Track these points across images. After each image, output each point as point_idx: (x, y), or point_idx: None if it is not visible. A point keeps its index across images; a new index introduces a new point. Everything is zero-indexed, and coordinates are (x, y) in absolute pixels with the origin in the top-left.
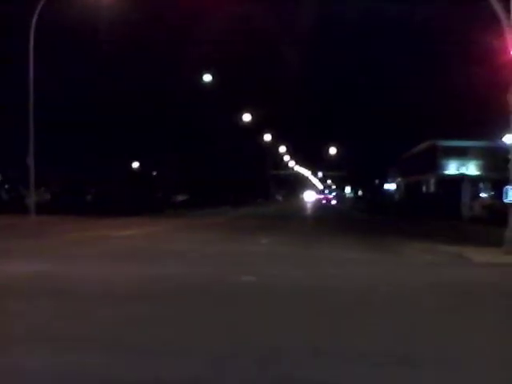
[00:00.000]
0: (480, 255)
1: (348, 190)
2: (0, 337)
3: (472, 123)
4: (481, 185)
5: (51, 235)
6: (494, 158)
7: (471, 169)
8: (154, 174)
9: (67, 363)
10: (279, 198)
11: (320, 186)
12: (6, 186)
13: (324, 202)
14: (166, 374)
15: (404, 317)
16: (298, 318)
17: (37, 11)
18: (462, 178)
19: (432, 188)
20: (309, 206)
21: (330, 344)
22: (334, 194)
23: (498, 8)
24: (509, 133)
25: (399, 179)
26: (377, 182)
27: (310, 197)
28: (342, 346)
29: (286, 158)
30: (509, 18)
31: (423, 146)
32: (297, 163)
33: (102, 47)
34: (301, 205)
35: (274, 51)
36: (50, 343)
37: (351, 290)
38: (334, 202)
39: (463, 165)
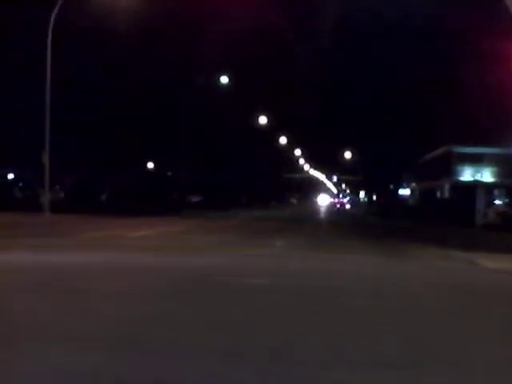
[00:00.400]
0: (493, 262)
1: (362, 194)
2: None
3: (487, 130)
4: (495, 192)
5: (65, 234)
6: (509, 165)
7: (486, 175)
8: (169, 174)
9: None
10: (293, 201)
11: (334, 190)
12: (20, 184)
13: (338, 206)
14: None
15: (415, 320)
16: (304, 318)
17: (54, 12)
18: (476, 184)
19: (446, 194)
20: (323, 209)
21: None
22: (348, 198)
23: None
24: None
25: (414, 184)
26: (391, 187)
27: (324, 201)
28: (360, 347)
29: (301, 161)
30: None
31: (438, 151)
32: (312, 167)
33: (116, 48)
34: (315, 208)
35: (293, 54)
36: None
37: (362, 292)
38: (347, 206)
39: (478, 171)
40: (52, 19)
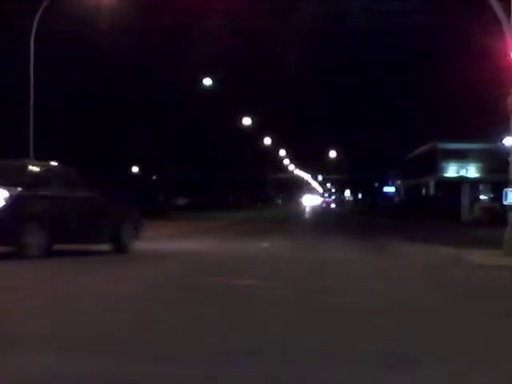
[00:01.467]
0: (479, 257)
1: (348, 193)
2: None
3: (472, 126)
4: (481, 187)
5: None
6: (493, 161)
7: (471, 171)
8: (155, 177)
9: None
10: (279, 201)
11: (320, 190)
12: None
13: (324, 205)
14: None
15: (401, 317)
16: (291, 317)
17: (38, 14)
18: (461, 180)
19: (432, 191)
20: (308, 209)
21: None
22: (333, 197)
23: (499, 10)
24: (508, 135)
25: (399, 182)
26: (376, 185)
27: (309, 200)
28: (341, 345)
29: (286, 161)
30: (509, 20)
31: (423, 148)
32: (297, 167)
33: (99, 52)
34: (300, 208)
35: (274, 54)
36: None
37: (348, 290)
38: (333, 205)
39: (463, 167)
40: (35, 25)
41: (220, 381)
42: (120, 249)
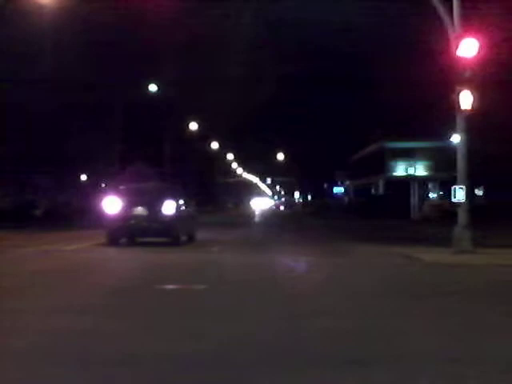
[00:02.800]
0: (429, 255)
1: (297, 195)
2: None
3: (419, 124)
4: (429, 185)
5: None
6: (441, 158)
7: (419, 169)
8: (103, 185)
9: None
10: (229, 205)
11: (269, 192)
12: None
13: (274, 208)
14: None
15: (349, 319)
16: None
17: None
18: (410, 179)
19: (381, 190)
20: (258, 212)
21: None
22: (282, 199)
23: (441, 9)
24: (456, 132)
25: (348, 182)
26: (325, 185)
27: (259, 203)
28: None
29: (234, 165)
30: (452, 18)
31: (371, 148)
32: (245, 170)
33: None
34: (250, 212)
35: (217, 56)
36: None
37: (295, 293)
38: (281, 207)
39: (411, 166)
40: None
41: None
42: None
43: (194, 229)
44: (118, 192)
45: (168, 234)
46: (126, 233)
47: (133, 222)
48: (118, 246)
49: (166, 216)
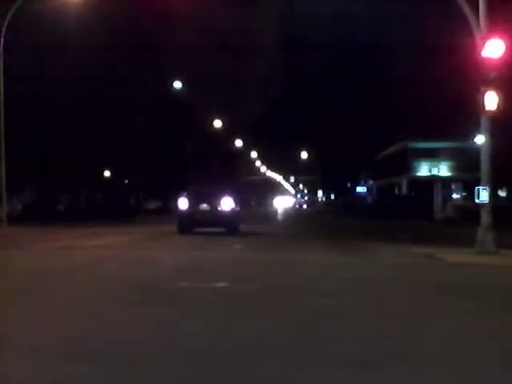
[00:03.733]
0: (452, 256)
1: (320, 193)
2: None
3: (443, 124)
4: (453, 186)
5: (24, 246)
6: (465, 159)
7: (443, 170)
8: (126, 182)
9: None
10: (252, 203)
11: (292, 191)
12: None
13: (297, 206)
14: None
15: (374, 317)
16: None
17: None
18: (433, 179)
19: (404, 190)
20: (280, 211)
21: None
22: (305, 198)
23: (467, 9)
24: (480, 133)
25: (371, 182)
26: (349, 185)
27: (282, 202)
28: (313, 347)
29: (258, 163)
30: (477, 19)
31: (395, 148)
32: (268, 168)
33: (68, 55)
34: (273, 210)
35: (245, 56)
36: None
37: (319, 290)
38: (305, 206)
39: (435, 166)
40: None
41: None
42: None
43: (240, 222)
44: (186, 192)
45: (227, 225)
46: (193, 224)
47: (198, 215)
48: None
49: (225, 211)
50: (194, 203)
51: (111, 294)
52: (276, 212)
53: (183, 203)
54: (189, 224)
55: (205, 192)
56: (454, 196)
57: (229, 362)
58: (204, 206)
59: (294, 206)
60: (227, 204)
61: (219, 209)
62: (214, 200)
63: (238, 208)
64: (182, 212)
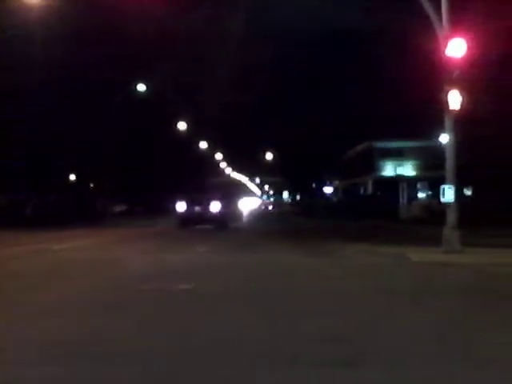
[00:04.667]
0: (419, 255)
1: (286, 194)
2: None
3: (408, 124)
4: (418, 185)
5: None
6: (430, 158)
7: (408, 169)
8: (91, 185)
9: None
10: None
11: (258, 192)
12: None
13: (263, 207)
14: None
15: (340, 318)
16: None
17: None
18: (398, 178)
19: (370, 190)
20: (246, 212)
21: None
22: (271, 199)
23: (430, 10)
24: (444, 132)
25: (337, 182)
26: (314, 185)
27: (247, 203)
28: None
29: (223, 164)
30: (440, 19)
31: (359, 148)
32: (234, 170)
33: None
34: (238, 211)
35: (208, 56)
36: None
37: (284, 292)
38: (270, 207)
39: (400, 165)
40: None
41: None
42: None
43: (228, 220)
44: (183, 197)
45: (215, 223)
46: (190, 221)
47: (193, 216)
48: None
49: (214, 212)
50: (189, 206)
51: (75, 296)
52: (241, 214)
53: (181, 206)
54: (186, 222)
55: (197, 197)
56: (420, 195)
57: None
58: (197, 208)
59: (260, 207)
60: (215, 207)
61: (209, 210)
62: (204, 203)
63: (224, 209)
64: (180, 213)
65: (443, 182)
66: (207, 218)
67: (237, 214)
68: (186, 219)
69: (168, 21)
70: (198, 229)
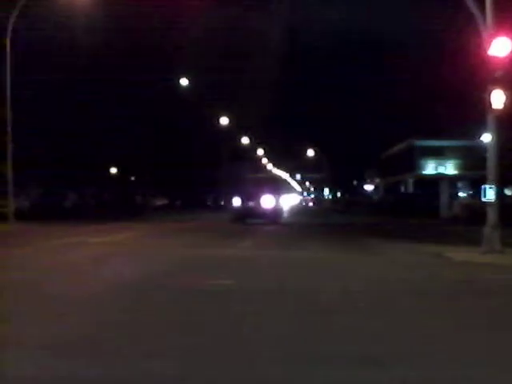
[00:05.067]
0: (459, 254)
1: (326, 191)
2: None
3: (449, 122)
4: (459, 184)
5: (29, 243)
6: (471, 157)
7: (449, 168)
8: (133, 179)
9: None
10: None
11: (299, 189)
12: None
13: (303, 204)
14: None
15: (380, 316)
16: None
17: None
18: (440, 177)
19: (411, 188)
20: (288, 208)
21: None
22: (312, 196)
23: (473, 7)
24: (486, 131)
25: (378, 180)
26: (355, 183)
27: (288, 199)
28: (326, 346)
29: (264, 160)
30: (484, 16)
31: (401, 146)
32: (275, 166)
33: (76, 54)
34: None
35: (251, 53)
36: None
37: (330, 290)
38: (311, 203)
39: (441, 164)
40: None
41: None
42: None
43: (280, 215)
44: (238, 192)
45: (268, 218)
46: (244, 216)
47: (248, 210)
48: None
49: (267, 207)
50: (244, 201)
51: (113, 290)
52: (284, 210)
53: (237, 201)
54: (240, 217)
55: (252, 193)
56: (461, 194)
57: None
58: (251, 203)
59: (301, 204)
60: (268, 202)
61: (261, 206)
62: (257, 199)
63: (278, 205)
64: (236, 208)
65: (484, 182)
66: (260, 213)
67: (283, 210)
68: (241, 214)
69: (207, 15)
70: (247, 223)
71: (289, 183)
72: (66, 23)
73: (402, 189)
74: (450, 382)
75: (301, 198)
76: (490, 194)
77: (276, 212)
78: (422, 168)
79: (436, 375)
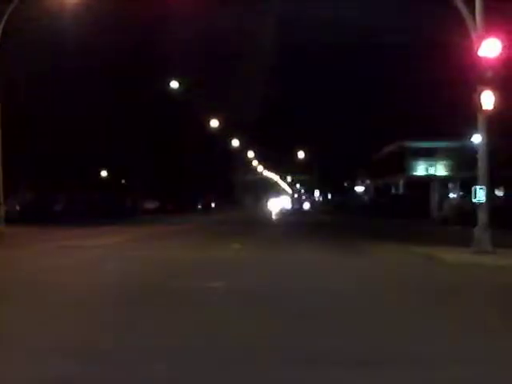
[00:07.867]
0: (449, 255)
1: (317, 193)
2: None
3: (440, 124)
4: (450, 185)
5: (18, 246)
6: (462, 158)
7: (440, 169)
8: (123, 182)
9: None
10: (248, 203)
11: (289, 191)
12: None
13: (293, 205)
14: None
15: (368, 317)
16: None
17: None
18: (430, 178)
19: (401, 189)
20: (277, 210)
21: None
22: (302, 197)
23: (463, 9)
24: (476, 132)
25: (368, 181)
26: (346, 184)
27: (278, 201)
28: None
29: (255, 162)
30: (474, 18)
31: (391, 147)
32: (265, 168)
33: (70, 57)
34: (270, 210)
35: (240, 55)
36: None
37: (318, 291)
38: (301, 205)
39: (431, 166)
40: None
41: None
42: None
43: None
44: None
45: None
46: None
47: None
48: None
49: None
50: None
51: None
52: (271, 213)
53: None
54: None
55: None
56: (451, 195)
57: None
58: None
59: (291, 205)
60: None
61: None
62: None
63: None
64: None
65: (475, 183)
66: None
67: (271, 211)
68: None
69: (202, 18)
70: (232, 226)
71: (279, 185)
72: (55, 25)
73: (393, 190)
74: (450, 382)
75: (291, 199)
76: (480, 194)
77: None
78: (412, 169)
79: (436, 375)
